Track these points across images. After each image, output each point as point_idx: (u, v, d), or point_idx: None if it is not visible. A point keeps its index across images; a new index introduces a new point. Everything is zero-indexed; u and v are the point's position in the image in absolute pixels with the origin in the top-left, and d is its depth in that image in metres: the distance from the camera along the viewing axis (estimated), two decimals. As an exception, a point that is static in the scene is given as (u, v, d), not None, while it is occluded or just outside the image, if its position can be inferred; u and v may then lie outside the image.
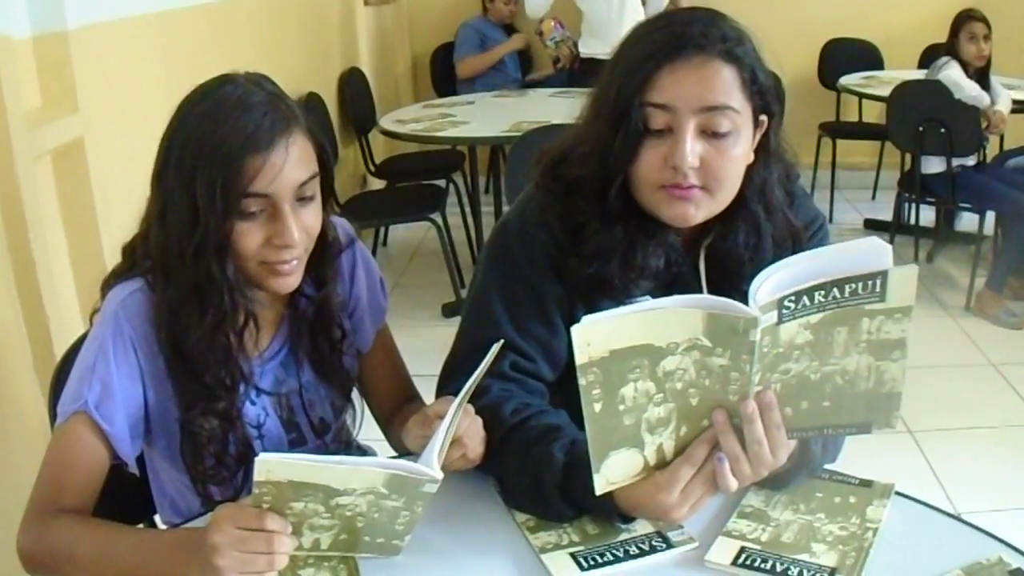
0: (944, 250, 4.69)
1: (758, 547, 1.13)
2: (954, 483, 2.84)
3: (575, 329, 0.97)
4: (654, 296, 1.26)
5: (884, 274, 1.02)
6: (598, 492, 1.07)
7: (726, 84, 1.21)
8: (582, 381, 1.00)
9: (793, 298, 1.01)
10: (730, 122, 1.22)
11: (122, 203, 1.31)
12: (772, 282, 1.00)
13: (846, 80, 5.23)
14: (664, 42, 1.22)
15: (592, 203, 1.29)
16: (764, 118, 1.28)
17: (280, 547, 1.03)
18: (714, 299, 1.01)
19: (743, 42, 1.24)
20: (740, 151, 1.24)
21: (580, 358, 0.98)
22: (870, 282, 1.02)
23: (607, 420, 1.03)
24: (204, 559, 1.03)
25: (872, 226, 5.09)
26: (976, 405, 3.35)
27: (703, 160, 1.22)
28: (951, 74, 4.14)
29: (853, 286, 1.02)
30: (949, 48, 4.25)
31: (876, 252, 1.02)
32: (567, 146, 1.35)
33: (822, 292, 1.01)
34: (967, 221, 4.65)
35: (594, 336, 0.98)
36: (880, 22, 5.79)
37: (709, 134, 1.22)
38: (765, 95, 1.26)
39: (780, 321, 1.01)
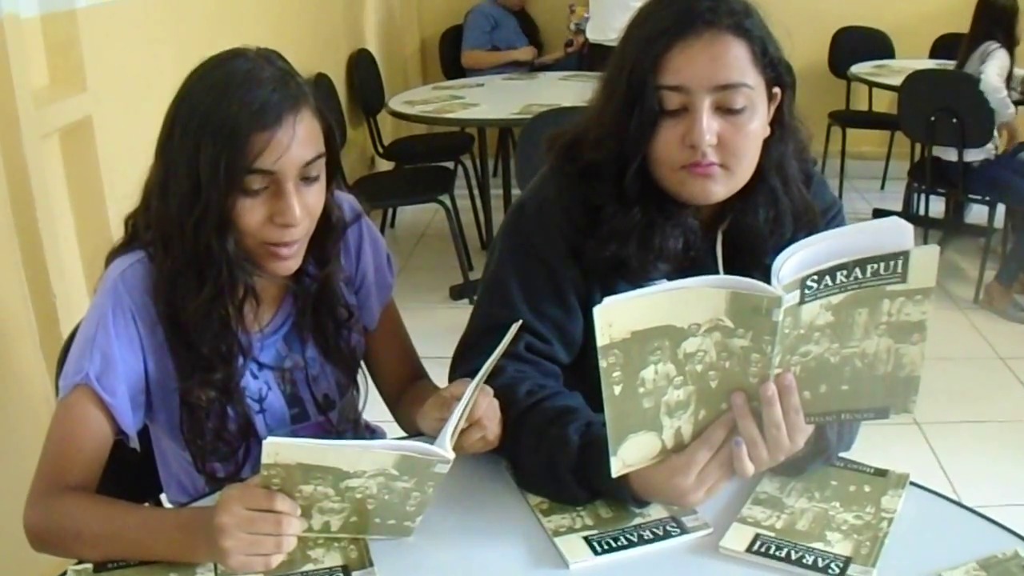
0: (953, 242, 4.65)
1: (773, 534, 1.12)
2: (960, 476, 2.83)
3: (597, 309, 0.95)
4: (671, 280, 1.25)
5: (906, 254, 1.00)
6: (614, 474, 1.06)
7: (738, 60, 1.21)
8: (602, 363, 0.98)
9: (816, 278, 0.99)
10: (744, 98, 1.21)
11: (129, 182, 1.30)
12: (794, 261, 0.99)
13: (857, 69, 5.21)
14: (672, 19, 1.21)
15: (609, 186, 1.28)
16: (777, 91, 1.27)
17: (289, 529, 1.02)
18: (737, 279, 0.99)
19: (751, 15, 1.23)
20: (756, 125, 1.24)
21: (601, 339, 0.97)
22: (892, 262, 1.00)
23: (626, 403, 1.02)
24: (211, 540, 1.02)
25: (881, 216, 5.06)
26: (984, 399, 3.33)
27: (720, 137, 1.21)
28: (991, 73, 4.00)
29: (875, 266, 1.00)
30: (1006, 35, 4.04)
31: (898, 232, 1.01)
32: (580, 129, 1.34)
33: (844, 272, 1.00)
34: (977, 213, 4.62)
35: (616, 317, 0.97)
36: (891, 11, 5.77)
37: (724, 111, 1.21)
38: (777, 67, 1.25)
39: (802, 301, 1.00)
